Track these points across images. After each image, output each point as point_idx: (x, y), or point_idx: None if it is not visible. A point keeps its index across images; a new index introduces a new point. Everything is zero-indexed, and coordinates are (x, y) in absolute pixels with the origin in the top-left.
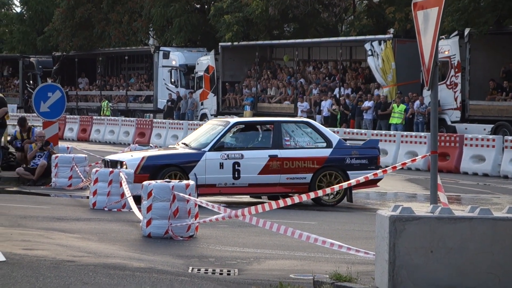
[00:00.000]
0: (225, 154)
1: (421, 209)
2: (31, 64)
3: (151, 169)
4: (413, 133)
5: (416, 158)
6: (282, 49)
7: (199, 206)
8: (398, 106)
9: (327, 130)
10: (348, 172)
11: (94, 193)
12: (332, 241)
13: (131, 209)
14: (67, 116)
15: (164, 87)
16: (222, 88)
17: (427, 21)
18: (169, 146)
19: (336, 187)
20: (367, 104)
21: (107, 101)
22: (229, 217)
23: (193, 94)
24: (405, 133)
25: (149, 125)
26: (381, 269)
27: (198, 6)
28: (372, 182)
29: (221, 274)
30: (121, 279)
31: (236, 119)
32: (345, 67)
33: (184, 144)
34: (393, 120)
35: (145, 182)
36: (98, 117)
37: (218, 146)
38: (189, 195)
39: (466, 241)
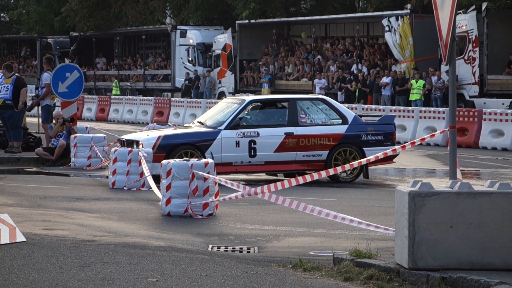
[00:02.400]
0: (241, 132)
1: (440, 184)
2: (49, 45)
3: (167, 148)
4: (432, 109)
5: (435, 133)
6: (299, 26)
7: (218, 184)
8: (416, 82)
9: (342, 107)
10: (364, 148)
11: (113, 172)
12: (352, 217)
13: (150, 188)
14: (85, 96)
15: (182, 66)
16: (239, 66)
17: None
18: (185, 125)
19: (355, 163)
20: (385, 80)
21: (116, 81)
22: (248, 195)
23: (210, 73)
24: (424, 108)
25: (167, 104)
26: (401, 245)
27: None
28: (389, 158)
29: (240, 252)
30: (141, 258)
31: (251, 96)
32: (362, 43)
33: (200, 122)
34: (412, 97)
35: (164, 161)
36: (116, 97)
37: (234, 124)
38: (208, 173)
39: (485, 216)
